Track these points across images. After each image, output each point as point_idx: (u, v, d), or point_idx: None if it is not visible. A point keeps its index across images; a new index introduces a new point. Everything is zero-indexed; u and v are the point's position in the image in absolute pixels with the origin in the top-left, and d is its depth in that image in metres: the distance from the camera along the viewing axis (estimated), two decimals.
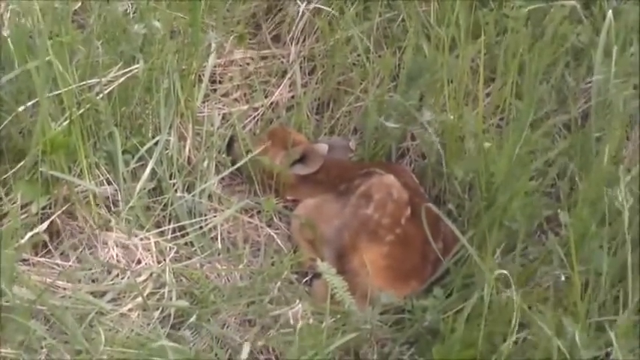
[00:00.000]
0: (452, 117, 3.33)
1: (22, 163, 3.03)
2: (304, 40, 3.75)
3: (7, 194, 3.04)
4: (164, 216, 3.24)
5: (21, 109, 3.01)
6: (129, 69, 3.18)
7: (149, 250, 3.12)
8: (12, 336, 2.69)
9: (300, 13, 3.72)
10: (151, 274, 3.05)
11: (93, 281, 3.03)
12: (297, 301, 2.97)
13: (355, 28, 3.61)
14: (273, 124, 3.62)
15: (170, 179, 3.27)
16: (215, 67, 3.63)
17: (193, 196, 3.25)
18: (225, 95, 3.67)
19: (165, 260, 3.10)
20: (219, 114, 3.53)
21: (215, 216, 3.27)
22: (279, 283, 3.05)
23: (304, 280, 3.21)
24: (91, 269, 3.04)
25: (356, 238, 3.16)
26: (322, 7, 3.67)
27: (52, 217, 3.08)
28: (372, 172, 3.32)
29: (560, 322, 2.69)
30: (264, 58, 3.78)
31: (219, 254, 3.19)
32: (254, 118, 3.66)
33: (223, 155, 3.43)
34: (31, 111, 3.04)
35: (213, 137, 3.40)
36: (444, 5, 3.53)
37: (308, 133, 3.61)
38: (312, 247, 3.27)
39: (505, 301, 2.77)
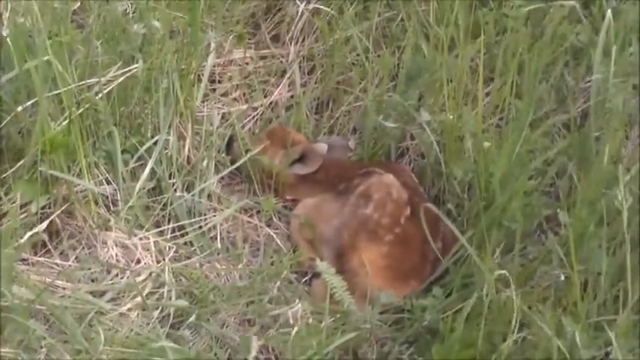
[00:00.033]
0: (451, 117, 3.33)
1: (21, 162, 3.03)
2: (303, 39, 3.75)
3: (6, 194, 3.04)
4: (163, 215, 3.24)
5: (20, 108, 3.01)
6: (128, 69, 3.18)
7: (148, 250, 3.12)
8: (11, 336, 2.69)
9: (300, 13, 3.72)
10: (150, 274, 3.05)
11: (92, 281, 3.03)
12: (297, 300, 2.98)
13: (354, 28, 3.61)
14: (272, 124, 3.62)
15: (169, 179, 3.27)
16: (214, 66, 3.63)
17: (193, 195, 3.25)
18: (224, 95, 3.67)
19: (164, 260, 3.10)
20: (218, 113, 3.53)
21: (214, 215, 3.27)
22: (278, 283, 3.05)
23: (303, 280, 3.21)
24: (90, 269, 3.04)
25: (355, 238, 3.16)
26: (321, 7, 3.68)
27: (52, 217, 3.08)
28: (372, 172, 3.32)
29: (559, 322, 2.69)
30: (263, 57, 3.78)
31: (218, 254, 3.19)
32: (253, 117, 3.65)
33: (223, 155, 3.43)
34: (31, 110, 3.04)
35: (212, 137, 3.40)
36: (443, 5, 3.53)
37: (307, 133, 3.61)
38: (311, 246, 3.27)
39: (504, 300, 2.77)
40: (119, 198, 3.17)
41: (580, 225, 2.92)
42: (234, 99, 3.67)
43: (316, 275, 3.14)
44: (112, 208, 3.17)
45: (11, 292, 2.73)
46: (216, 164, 3.38)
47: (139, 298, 2.95)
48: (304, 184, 3.45)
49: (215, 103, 3.61)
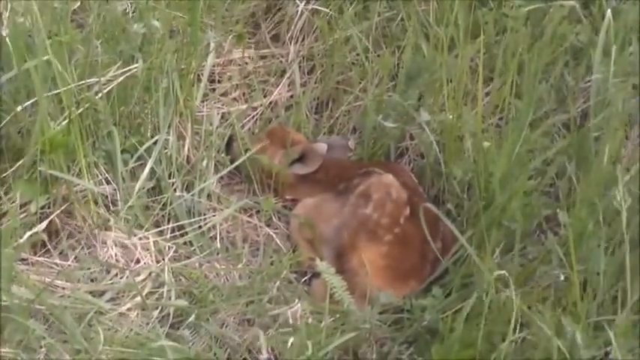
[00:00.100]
0: (451, 117, 3.33)
1: (21, 162, 3.04)
2: (303, 39, 3.75)
3: (6, 193, 3.04)
4: (163, 215, 3.24)
5: (20, 108, 3.01)
6: (128, 68, 3.18)
7: (148, 250, 3.12)
8: (11, 335, 2.69)
9: (299, 13, 3.72)
10: (149, 274, 3.05)
11: (92, 281, 3.03)
12: (296, 300, 2.98)
13: (354, 28, 3.61)
14: (272, 124, 3.61)
15: (169, 178, 3.27)
16: (214, 66, 3.63)
17: (192, 195, 3.25)
18: (224, 94, 3.67)
19: (164, 260, 3.10)
20: (218, 113, 3.53)
21: (214, 215, 3.27)
22: (278, 283, 3.05)
23: (303, 280, 3.21)
24: (89, 269, 3.04)
25: (355, 238, 3.16)
26: (320, 8, 3.67)
27: (51, 217, 3.08)
28: (371, 172, 3.32)
29: (559, 322, 2.69)
30: (263, 57, 3.78)
31: (218, 254, 3.19)
32: (253, 117, 3.65)
33: (222, 154, 3.43)
34: (30, 110, 3.05)
35: (212, 136, 3.40)
36: (443, 5, 3.53)
37: (307, 133, 3.61)
38: (311, 246, 3.27)
39: (504, 300, 2.77)
40: (119, 198, 3.17)
41: (579, 225, 2.92)
42: (234, 99, 3.67)
43: (316, 275, 3.14)
44: (111, 207, 3.17)
45: (11, 291, 2.73)
46: (215, 164, 3.38)
47: (138, 298, 2.95)
48: (304, 183, 3.45)
49: (215, 102, 3.61)
